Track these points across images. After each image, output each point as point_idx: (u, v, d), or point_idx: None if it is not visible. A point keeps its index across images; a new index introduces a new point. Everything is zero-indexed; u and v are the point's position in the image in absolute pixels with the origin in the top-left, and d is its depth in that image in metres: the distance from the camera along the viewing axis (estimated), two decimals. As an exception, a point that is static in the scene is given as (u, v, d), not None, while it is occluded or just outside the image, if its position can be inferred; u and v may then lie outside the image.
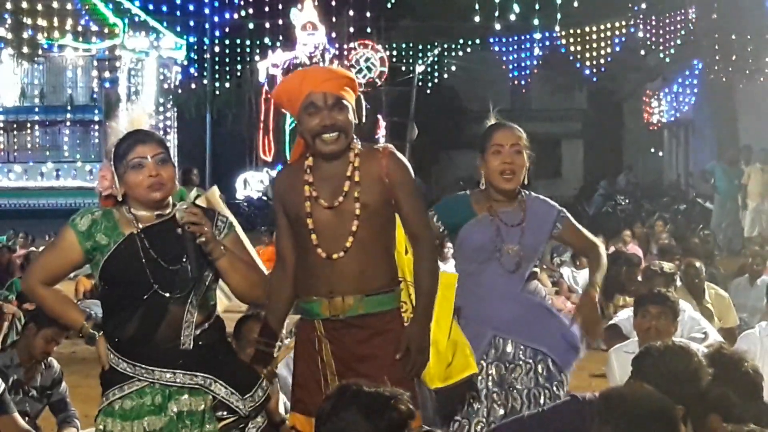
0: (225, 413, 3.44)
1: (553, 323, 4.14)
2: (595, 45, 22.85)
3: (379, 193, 3.60)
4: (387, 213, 3.64)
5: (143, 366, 3.34)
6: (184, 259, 3.36)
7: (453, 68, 28.00)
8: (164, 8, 22.75)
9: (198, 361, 3.37)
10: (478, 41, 26.30)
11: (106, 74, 23.33)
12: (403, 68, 25.71)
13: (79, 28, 22.41)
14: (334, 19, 21.49)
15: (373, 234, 3.59)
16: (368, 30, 23.74)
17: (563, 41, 23.31)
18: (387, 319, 3.62)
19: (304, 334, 3.72)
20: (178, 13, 22.74)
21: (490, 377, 4.03)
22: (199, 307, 3.39)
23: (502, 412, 4.00)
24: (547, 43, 23.91)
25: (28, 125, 23.65)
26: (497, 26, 20.24)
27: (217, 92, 26.43)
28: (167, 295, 3.33)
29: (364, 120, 3.70)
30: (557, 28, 21.00)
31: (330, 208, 3.58)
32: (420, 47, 26.86)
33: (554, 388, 4.04)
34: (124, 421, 3.34)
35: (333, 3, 20.83)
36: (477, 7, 18.22)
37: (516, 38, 25.10)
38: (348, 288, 3.56)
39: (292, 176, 3.72)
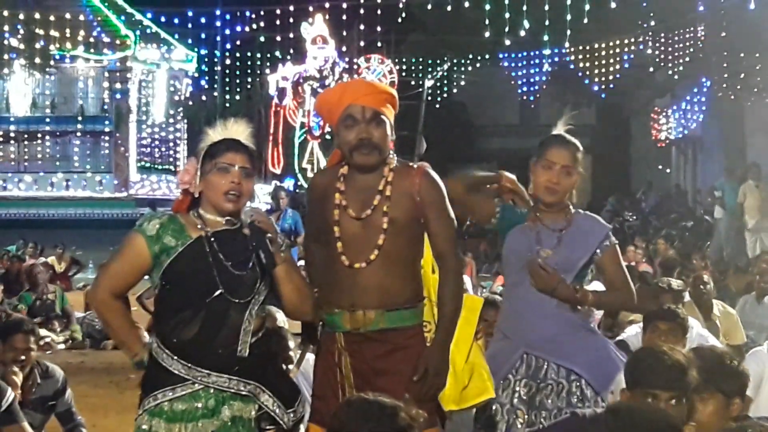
0: (267, 424, 3.47)
1: (591, 342, 4.07)
2: (604, 61, 22.85)
3: (408, 209, 3.60)
4: (415, 230, 3.65)
5: (199, 369, 3.35)
6: (250, 265, 3.41)
7: (462, 83, 28.03)
8: (176, 20, 22.83)
9: (251, 368, 3.41)
10: (487, 56, 26.33)
11: (117, 85, 23.39)
12: (413, 82, 25.75)
13: (91, 40, 22.48)
14: (344, 33, 21.55)
15: (398, 249, 3.60)
16: (378, 44, 23.80)
17: (572, 57, 23.31)
18: (408, 335, 3.62)
19: (325, 345, 3.73)
20: (189, 25, 22.79)
21: (517, 394, 3.98)
22: (255, 316, 3.44)
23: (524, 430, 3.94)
24: (557, 59, 23.92)
25: (39, 135, 23.70)
26: (507, 42, 20.28)
27: (228, 104, 26.49)
28: (232, 299, 3.37)
29: (394, 136, 3.72)
30: (567, 45, 21.00)
31: (358, 219, 3.60)
32: (430, 62, 26.91)
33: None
34: (170, 423, 3.34)
35: (344, 17, 20.89)
36: (487, 22, 18.25)
37: (525, 54, 25.13)
38: (370, 302, 3.57)
39: (326, 181, 3.73)
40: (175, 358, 3.36)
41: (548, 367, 4.00)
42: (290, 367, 4.97)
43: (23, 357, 5.58)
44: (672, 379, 3.32)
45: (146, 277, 3.51)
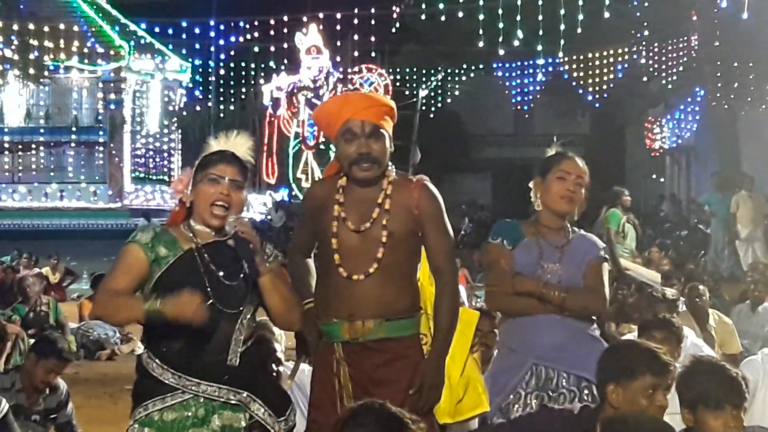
0: None
1: (597, 348, 4.01)
2: (597, 71, 22.92)
3: (407, 222, 3.61)
4: (413, 242, 3.66)
5: (189, 378, 3.36)
6: (241, 276, 3.42)
7: (456, 93, 28.08)
8: (170, 31, 22.83)
9: (241, 378, 3.41)
10: (481, 66, 26.42)
11: (112, 96, 23.42)
12: (407, 92, 25.78)
13: (85, 50, 22.52)
14: (338, 43, 21.58)
15: (397, 261, 3.61)
16: (372, 54, 23.84)
17: (566, 67, 23.38)
18: (406, 345, 3.64)
19: (322, 356, 3.72)
20: (183, 35, 22.81)
21: (529, 407, 3.97)
22: (246, 326, 3.45)
23: None
24: (551, 68, 23.99)
25: (33, 146, 23.72)
26: (501, 52, 20.29)
27: (222, 115, 26.50)
28: (223, 309, 3.38)
29: (393, 148, 3.71)
30: (560, 54, 21.06)
31: (356, 231, 3.60)
32: (424, 72, 26.96)
33: None
34: None
35: (338, 27, 20.93)
36: (481, 32, 18.29)
37: (519, 64, 25.20)
38: (368, 312, 3.58)
39: (325, 192, 3.73)
40: (165, 367, 3.37)
41: (558, 376, 4.01)
42: (280, 369, 4.98)
43: (50, 380, 5.65)
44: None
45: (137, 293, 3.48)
